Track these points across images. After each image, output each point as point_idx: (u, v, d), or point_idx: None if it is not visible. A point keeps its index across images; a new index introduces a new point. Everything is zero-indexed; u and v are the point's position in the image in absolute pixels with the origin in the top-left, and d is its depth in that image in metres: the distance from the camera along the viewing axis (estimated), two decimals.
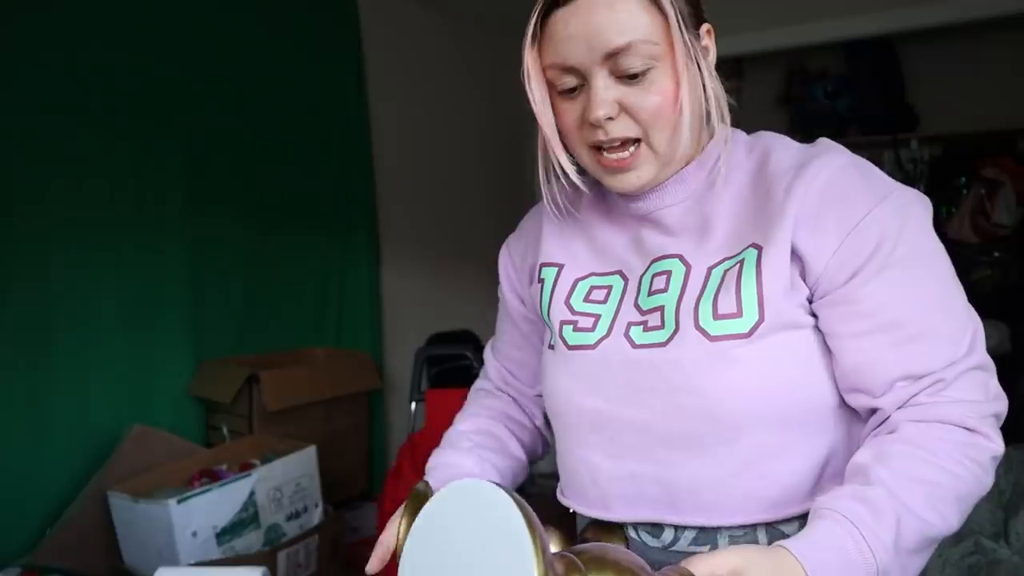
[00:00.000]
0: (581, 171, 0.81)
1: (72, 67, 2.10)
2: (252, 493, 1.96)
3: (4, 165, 1.99)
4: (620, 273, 0.81)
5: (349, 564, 2.27)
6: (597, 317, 0.80)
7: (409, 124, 3.33)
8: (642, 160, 0.74)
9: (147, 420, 2.19)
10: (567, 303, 0.83)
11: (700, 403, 0.71)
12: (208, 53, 2.44)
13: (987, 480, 0.69)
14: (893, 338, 0.69)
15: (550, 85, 0.76)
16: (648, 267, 0.79)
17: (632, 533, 0.80)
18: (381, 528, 0.82)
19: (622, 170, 0.75)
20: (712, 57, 0.76)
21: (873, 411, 0.72)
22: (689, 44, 0.72)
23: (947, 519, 0.66)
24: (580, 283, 0.83)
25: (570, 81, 0.73)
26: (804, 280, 0.72)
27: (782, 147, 0.78)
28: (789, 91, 3.37)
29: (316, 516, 2.15)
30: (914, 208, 0.71)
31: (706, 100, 0.75)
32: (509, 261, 0.95)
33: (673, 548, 0.77)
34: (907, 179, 2.96)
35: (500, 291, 0.98)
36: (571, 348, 0.80)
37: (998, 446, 0.69)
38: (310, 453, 2.15)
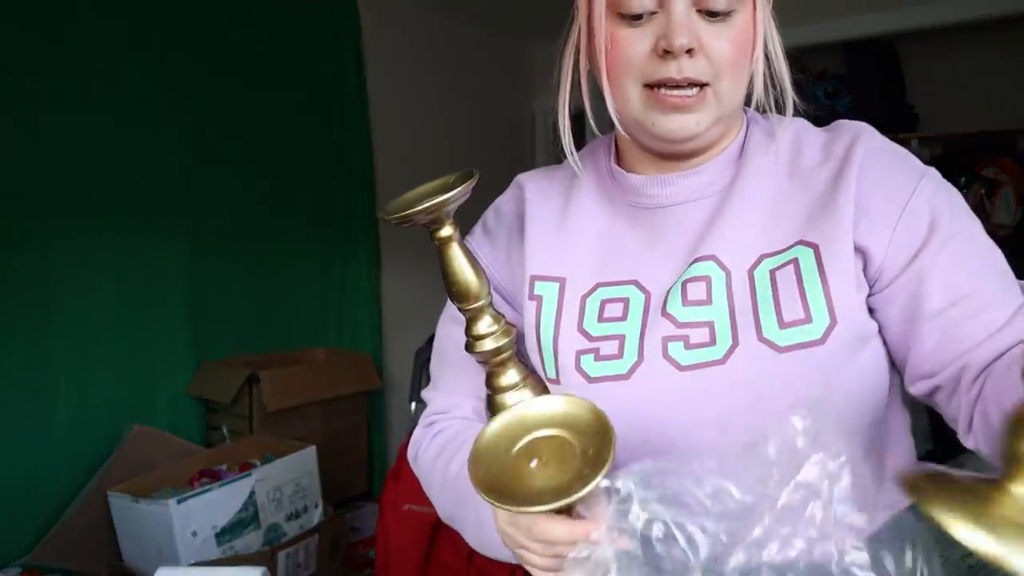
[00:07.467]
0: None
1: (74, 63, 2.10)
2: (252, 493, 1.96)
3: (3, 164, 1.99)
4: (636, 284, 0.71)
5: (349, 564, 2.27)
6: (621, 339, 0.69)
7: (409, 123, 3.33)
8: (706, 104, 0.66)
9: (147, 420, 2.20)
10: (581, 329, 0.71)
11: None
12: (209, 52, 2.44)
13: None
14: (968, 309, 0.64)
15: (608, 6, 0.67)
16: (681, 273, 0.69)
17: None
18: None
19: (682, 110, 0.66)
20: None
21: (938, 388, 0.67)
22: None
23: None
24: (588, 300, 0.72)
25: (644, 3, 0.64)
26: (865, 274, 0.67)
27: (808, 132, 0.73)
28: None
29: (316, 516, 2.15)
30: (944, 181, 0.69)
31: (768, 65, 0.69)
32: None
33: None
34: None
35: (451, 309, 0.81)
36: (593, 380, 0.69)
37: None
38: (310, 453, 2.15)
